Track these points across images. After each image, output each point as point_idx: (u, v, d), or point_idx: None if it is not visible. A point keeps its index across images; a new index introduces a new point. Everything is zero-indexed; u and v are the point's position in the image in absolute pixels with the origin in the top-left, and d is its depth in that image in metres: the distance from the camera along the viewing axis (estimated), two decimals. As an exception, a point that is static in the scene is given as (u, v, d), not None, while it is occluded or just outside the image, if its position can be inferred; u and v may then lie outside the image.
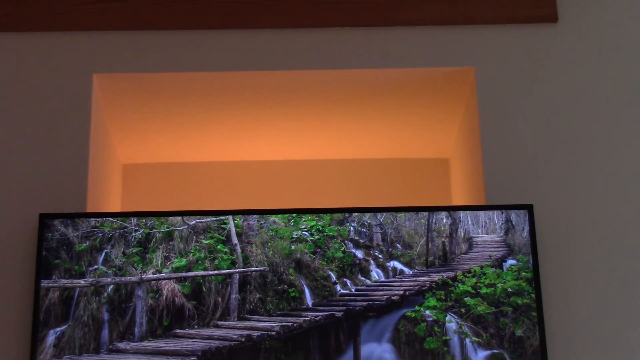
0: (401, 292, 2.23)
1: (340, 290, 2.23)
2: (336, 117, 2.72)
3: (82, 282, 2.20)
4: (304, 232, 2.27)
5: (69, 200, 2.31)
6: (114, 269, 2.21)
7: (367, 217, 2.30)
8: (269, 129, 2.78)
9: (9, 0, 2.45)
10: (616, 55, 2.45)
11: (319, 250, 2.26)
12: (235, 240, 2.26)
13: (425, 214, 2.29)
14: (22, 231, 2.27)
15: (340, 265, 2.26)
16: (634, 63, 2.45)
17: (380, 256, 2.28)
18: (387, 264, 2.27)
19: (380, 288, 2.25)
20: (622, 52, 2.46)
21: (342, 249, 2.27)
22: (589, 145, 2.38)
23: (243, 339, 2.15)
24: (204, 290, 2.22)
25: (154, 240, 2.25)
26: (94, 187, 2.43)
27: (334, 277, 2.25)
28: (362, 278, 2.26)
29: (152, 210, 2.67)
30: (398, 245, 2.28)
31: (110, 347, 2.15)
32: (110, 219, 2.25)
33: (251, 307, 2.21)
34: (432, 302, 2.20)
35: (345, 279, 2.25)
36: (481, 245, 2.29)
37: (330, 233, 2.27)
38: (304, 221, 2.28)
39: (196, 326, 2.19)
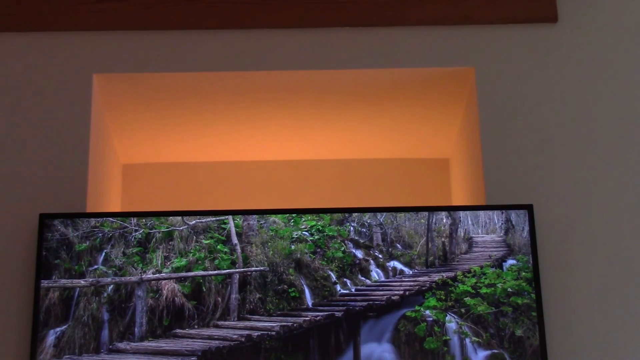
0: (401, 292, 2.23)
1: (340, 290, 2.23)
2: (336, 117, 2.72)
3: (82, 282, 2.20)
4: (304, 232, 2.27)
5: (69, 200, 2.31)
6: (114, 269, 2.21)
7: (367, 217, 2.30)
8: (269, 129, 2.78)
9: (9, 0, 2.45)
10: (616, 55, 2.45)
11: (319, 250, 2.26)
12: (235, 240, 2.26)
13: (425, 214, 2.29)
14: (22, 231, 2.27)
15: (340, 265, 2.26)
16: (634, 63, 2.45)
17: (380, 256, 2.28)
18: (387, 264, 2.27)
19: (380, 288, 2.25)
20: (622, 52, 2.46)
21: (342, 249, 2.27)
22: (589, 145, 2.38)
23: (243, 339, 2.15)
24: (204, 290, 2.22)
25: (154, 240, 2.25)
26: (94, 187, 2.43)
27: (334, 277, 2.25)
28: (362, 278, 2.26)
29: (152, 210, 2.67)
30: (398, 245, 2.28)
31: (110, 347, 2.16)
32: (110, 219, 2.25)
33: (251, 307, 2.21)
34: (432, 302, 2.20)
35: (345, 279, 2.25)
36: (481, 245, 2.29)
37: (330, 233, 2.27)
38: (304, 221, 2.28)
39: (196, 326, 2.19)
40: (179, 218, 2.27)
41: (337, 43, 2.46)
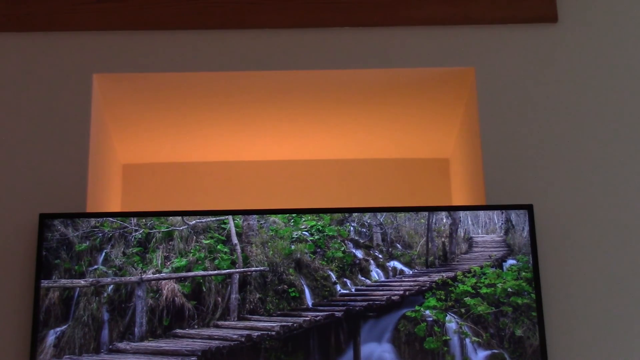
0: (401, 292, 2.23)
1: (340, 290, 2.23)
2: (336, 117, 2.72)
3: (82, 282, 2.20)
4: (304, 232, 2.27)
5: (69, 200, 2.31)
6: (114, 269, 2.21)
7: (367, 217, 2.30)
8: (269, 129, 2.78)
9: (9, 0, 2.45)
10: (616, 55, 2.45)
11: (319, 250, 2.26)
12: (235, 240, 2.26)
13: (425, 214, 2.29)
14: (22, 231, 2.27)
15: (340, 265, 2.26)
16: (634, 63, 2.45)
17: (380, 256, 2.28)
18: (387, 264, 2.27)
19: (380, 288, 2.25)
20: (622, 52, 2.46)
21: (342, 249, 2.27)
22: (589, 145, 2.38)
23: (243, 339, 2.15)
24: (204, 290, 2.22)
25: (154, 240, 2.25)
26: (94, 187, 2.43)
27: (334, 277, 2.25)
28: (362, 278, 2.26)
29: (152, 210, 2.67)
30: (398, 245, 2.28)
31: (110, 347, 2.16)
32: (110, 219, 2.25)
33: (251, 307, 2.21)
34: (432, 302, 2.20)
35: (345, 279, 2.25)
36: (481, 245, 2.29)
37: (330, 233, 2.27)
38: (304, 221, 2.28)
39: (196, 326, 2.19)
40: (179, 218, 2.27)
41: (337, 43, 2.46)
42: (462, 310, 2.20)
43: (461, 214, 2.29)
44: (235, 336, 2.16)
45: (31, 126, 2.37)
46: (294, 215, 2.28)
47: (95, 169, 2.45)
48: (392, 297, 2.22)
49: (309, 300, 2.23)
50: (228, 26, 2.46)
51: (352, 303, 2.21)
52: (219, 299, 2.21)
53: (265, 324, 2.19)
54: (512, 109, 2.41)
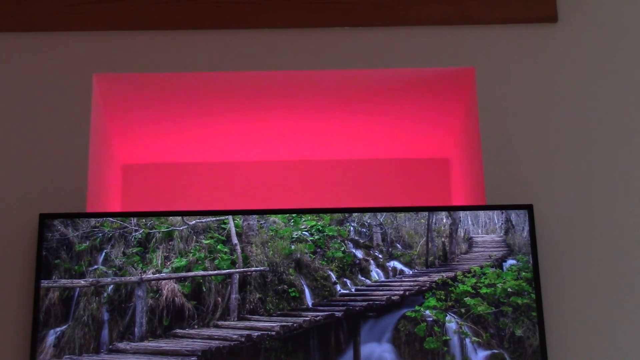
0: (401, 292, 2.23)
1: (340, 290, 2.23)
2: (336, 117, 2.72)
3: (82, 282, 2.20)
4: (304, 232, 2.27)
5: (69, 200, 2.31)
6: (114, 269, 2.21)
7: (367, 217, 2.30)
8: (269, 129, 2.78)
9: (9, 0, 2.45)
10: (616, 55, 2.45)
11: (319, 250, 2.26)
12: (235, 240, 2.26)
13: (425, 214, 2.29)
14: (22, 231, 2.27)
15: (340, 265, 2.26)
16: (634, 63, 2.45)
17: (380, 256, 2.28)
18: (387, 264, 2.27)
19: (380, 288, 2.25)
20: (622, 52, 2.46)
21: (342, 249, 2.27)
22: (589, 145, 2.38)
23: (243, 339, 2.15)
24: (204, 290, 2.22)
25: (154, 240, 2.25)
26: (94, 187, 2.43)
27: (334, 277, 2.25)
28: (362, 278, 2.26)
29: (152, 210, 2.67)
30: (398, 245, 2.28)
31: (110, 347, 2.16)
32: (110, 219, 2.25)
33: (251, 307, 2.21)
34: (432, 302, 2.20)
35: (345, 279, 2.25)
36: (481, 245, 2.29)
37: (330, 233, 2.27)
38: (304, 221, 2.28)
39: (196, 326, 2.19)
40: (179, 218, 2.27)
41: (337, 43, 2.46)
42: (462, 310, 2.20)
43: (461, 214, 2.29)
44: (235, 336, 2.16)
45: (31, 126, 2.37)
46: (294, 215, 2.28)
47: (95, 169, 2.45)
48: (392, 297, 2.22)
49: (309, 300, 2.23)
50: (228, 26, 2.46)
51: (352, 303, 2.21)
52: (219, 299, 2.21)
53: (265, 324, 2.19)
54: (512, 109, 2.41)
